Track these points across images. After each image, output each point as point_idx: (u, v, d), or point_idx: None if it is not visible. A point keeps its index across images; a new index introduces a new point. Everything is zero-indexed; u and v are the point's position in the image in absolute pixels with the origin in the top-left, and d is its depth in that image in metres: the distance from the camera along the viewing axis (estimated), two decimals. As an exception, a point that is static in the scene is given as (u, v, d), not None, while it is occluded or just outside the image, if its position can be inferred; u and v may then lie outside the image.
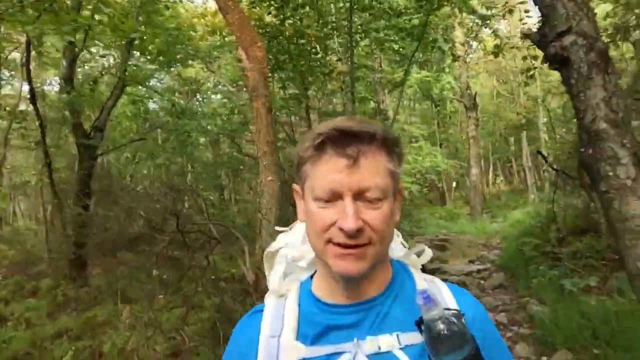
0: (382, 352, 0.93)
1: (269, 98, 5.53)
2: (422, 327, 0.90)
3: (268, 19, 9.41)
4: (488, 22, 11.04)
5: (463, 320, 0.90)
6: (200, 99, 17.14)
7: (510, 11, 8.71)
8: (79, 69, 10.87)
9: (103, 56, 9.94)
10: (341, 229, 0.89)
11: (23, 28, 5.66)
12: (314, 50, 10.00)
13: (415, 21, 10.22)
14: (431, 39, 11.12)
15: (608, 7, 9.75)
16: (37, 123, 9.06)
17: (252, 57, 5.38)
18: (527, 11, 7.69)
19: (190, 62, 11.43)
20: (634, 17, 8.82)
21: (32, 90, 8.95)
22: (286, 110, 11.22)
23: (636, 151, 2.55)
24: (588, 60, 2.64)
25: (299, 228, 1.28)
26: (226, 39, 11.55)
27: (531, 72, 7.59)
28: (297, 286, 1.09)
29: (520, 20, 8.11)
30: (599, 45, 2.66)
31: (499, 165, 35.16)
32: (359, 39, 10.73)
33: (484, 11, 10.82)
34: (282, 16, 9.06)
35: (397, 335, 0.94)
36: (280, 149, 8.85)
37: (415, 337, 0.94)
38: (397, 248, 1.15)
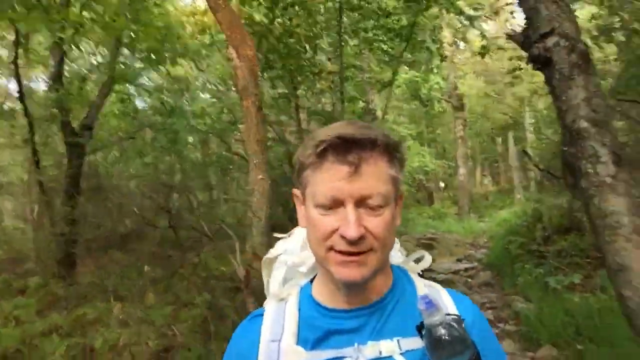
0: (383, 357, 0.93)
1: (259, 97, 5.58)
2: (423, 332, 0.91)
3: (258, 18, 9.43)
4: (475, 23, 11.17)
5: (463, 325, 0.91)
6: (189, 98, 17.10)
7: (496, 12, 8.85)
8: (66, 67, 10.82)
9: (92, 54, 9.89)
10: (343, 237, 0.89)
11: (14, 24, 5.63)
12: (303, 49, 10.04)
13: (404, 21, 10.31)
14: (419, 39, 11.23)
15: (593, 9, 9.92)
16: (25, 121, 9.00)
17: (243, 56, 5.42)
18: (512, 12, 7.81)
19: (179, 60, 11.41)
20: (617, 19, 8.99)
21: (20, 88, 8.89)
22: (275, 110, 11.26)
23: (616, 150, 2.63)
24: (570, 61, 2.72)
25: (297, 234, 1.29)
26: (215, 37, 11.55)
27: (516, 73, 7.71)
28: (297, 291, 1.09)
29: (506, 21, 8.24)
30: (580, 47, 2.75)
31: (487, 165, 35.43)
32: (348, 38, 10.79)
33: (471, 12, 10.94)
34: (271, 15, 9.09)
35: (398, 341, 0.95)
36: (269, 148, 8.89)
37: (415, 343, 0.94)
38: (396, 255, 1.16)
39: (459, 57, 22.28)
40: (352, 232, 0.87)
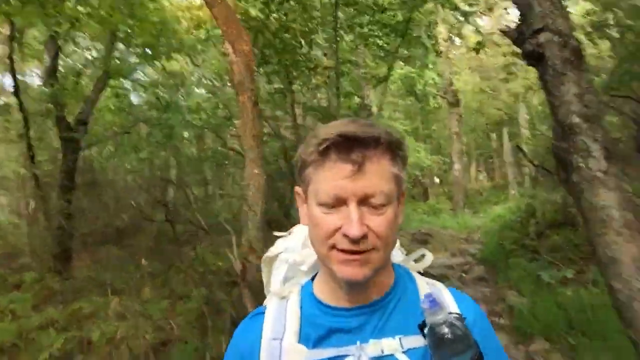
0: (385, 355, 0.93)
1: (255, 92, 5.58)
2: (425, 331, 0.92)
3: (253, 13, 9.43)
4: (470, 19, 11.21)
5: (465, 324, 0.91)
6: (184, 93, 17.07)
7: (491, 9, 8.89)
8: (61, 62, 10.78)
9: (87, 49, 9.86)
10: (345, 235, 0.89)
11: (9, 18, 5.61)
12: (299, 44, 10.04)
13: (399, 17, 10.33)
14: (415, 35, 11.24)
15: (588, 5, 9.97)
16: (20, 116, 8.98)
17: (239, 51, 5.42)
18: (506, 9, 7.86)
19: (174, 55, 11.40)
20: (611, 15, 9.03)
21: (15, 83, 8.87)
22: (271, 105, 11.26)
23: (607, 145, 2.67)
24: (562, 57, 2.76)
25: (297, 233, 1.31)
26: (211, 32, 11.53)
27: (511, 69, 7.77)
28: (299, 289, 1.09)
29: (500, 17, 8.28)
30: (572, 43, 2.78)
31: (481, 161, 35.54)
32: (343, 34, 10.80)
33: (466, 8, 10.98)
34: (267, 10, 9.09)
35: (400, 339, 0.95)
36: (265, 144, 8.90)
37: (417, 341, 0.95)
38: (397, 254, 1.16)
39: (454, 53, 22.33)
40: (355, 231, 0.87)
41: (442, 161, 23.20)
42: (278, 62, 9.77)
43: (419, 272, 1.14)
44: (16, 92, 8.74)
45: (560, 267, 6.59)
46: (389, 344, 0.94)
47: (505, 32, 3.15)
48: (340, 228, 0.90)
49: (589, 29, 8.56)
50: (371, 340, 0.95)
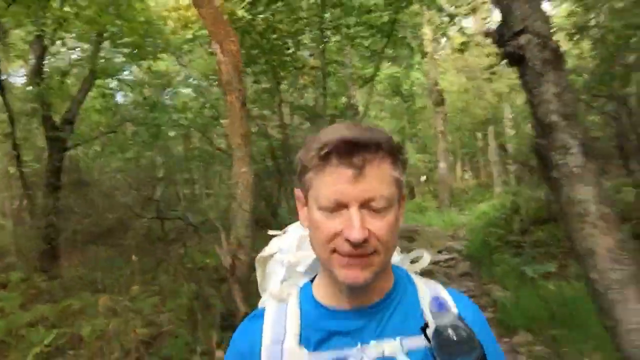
0: (386, 357, 0.94)
1: (242, 92, 5.65)
2: (428, 332, 0.93)
3: (240, 13, 9.47)
4: (454, 20, 11.36)
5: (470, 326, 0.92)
6: (171, 93, 17.03)
7: (474, 10, 9.05)
8: (46, 61, 10.73)
9: (73, 48, 9.83)
10: (347, 239, 0.89)
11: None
12: (286, 45, 10.11)
13: (385, 18, 10.43)
14: (400, 35, 11.36)
15: (571, 6, 10.15)
16: (5, 115, 8.92)
17: (226, 51, 5.48)
18: (489, 10, 8.02)
19: (160, 55, 11.40)
20: (592, 16, 9.22)
21: (0, 83, 8.81)
22: (259, 104, 11.30)
23: (584, 141, 2.79)
24: (542, 58, 2.86)
25: (292, 232, 1.32)
26: (197, 32, 11.54)
27: (494, 69, 7.93)
28: (297, 291, 1.08)
29: (484, 19, 8.43)
30: (551, 44, 2.89)
31: (467, 159, 35.85)
32: (330, 34, 10.88)
33: (451, 10, 11.13)
34: (254, 11, 9.14)
35: (401, 340, 0.95)
36: (252, 143, 8.95)
37: (418, 342, 0.95)
38: (394, 254, 1.14)
39: (439, 54, 22.53)
40: (357, 235, 0.87)
41: (428, 160, 23.41)
42: (265, 62, 9.83)
43: (416, 273, 1.16)
44: (1, 91, 8.68)
45: (543, 262, 6.74)
46: (389, 346, 0.95)
47: (487, 34, 3.26)
48: (341, 232, 0.90)
49: (572, 30, 8.73)
50: (372, 342, 0.95)
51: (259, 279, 1.37)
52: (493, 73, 8.31)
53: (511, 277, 6.59)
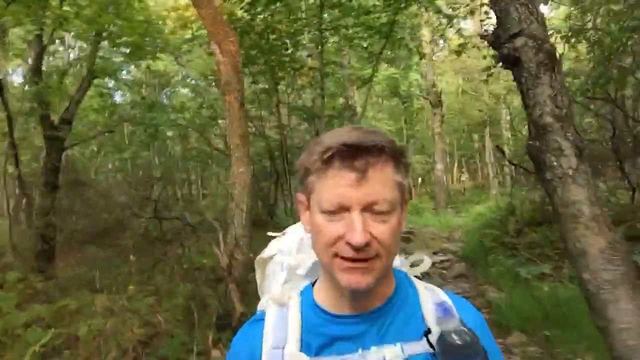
0: None
1: (241, 92, 5.67)
2: (430, 338, 0.93)
3: (239, 14, 9.50)
4: (453, 22, 11.41)
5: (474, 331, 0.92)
6: (169, 93, 17.09)
7: (472, 12, 9.10)
8: (44, 61, 10.74)
9: (72, 47, 9.84)
10: (348, 243, 0.88)
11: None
12: (284, 45, 10.14)
13: (384, 19, 10.48)
14: (399, 37, 11.41)
15: (569, 8, 10.21)
16: (3, 115, 8.91)
17: (225, 51, 5.51)
18: (487, 12, 8.06)
19: (159, 55, 11.42)
20: (590, 19, 9.28)
21: (-1, 81, 8.80)
22: (257, 105, 11.34)
23: (578, 143, 2.82)
24: (537, 61, 2.89)
25: (291, 234, 1.30)
26: (196, 33, 11.57)
27: (491, 71, 7.98)
28: (298, 294, 1.07)
29: (482, 21, 8.47)
30: (546, 47, 2.92)
31: (464, 161, 35.97)
32: (328, 35, 10.92)
33: (449, 11, 11.17)
34: (253, 11, 9.17)
35: (402, 346, 0.95)
36: (250, 144, 8.97)
37: (418, 347, 0.95)
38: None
39: (437, 55, 22.61)
40: (358, 239, 0.87)
41: (425, 161, 23.48)
42: (264, 63, 9.86)
43: (416, 276, 1.15)
44: (0, 90, 8.68)
45: (537, 264, 6.78)
46: (390, 351, 0.94)
47: (483, 36, 3.29)
48: (343, 236, 0.89)
49: (569, 33, 8.77)
50: (373, 348, 0.95)
51: (258, 281, 1.37)
52: (490, 75, 8.36)
53: (506, 278, 6.62)
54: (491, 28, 3.26)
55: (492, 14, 3.17)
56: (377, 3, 10.36)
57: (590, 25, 8.95)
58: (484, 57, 8.39)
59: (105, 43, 9.75)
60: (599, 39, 8.16)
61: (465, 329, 0.90)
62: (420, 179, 27.83)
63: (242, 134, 5.59)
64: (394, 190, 0.92)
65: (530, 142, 2.93)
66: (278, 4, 9.32)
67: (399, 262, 1.15)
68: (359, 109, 14.32)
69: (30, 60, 9.78)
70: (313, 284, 1.08)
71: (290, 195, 11.56)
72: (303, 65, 10.99)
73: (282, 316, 1.02)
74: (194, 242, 6.61)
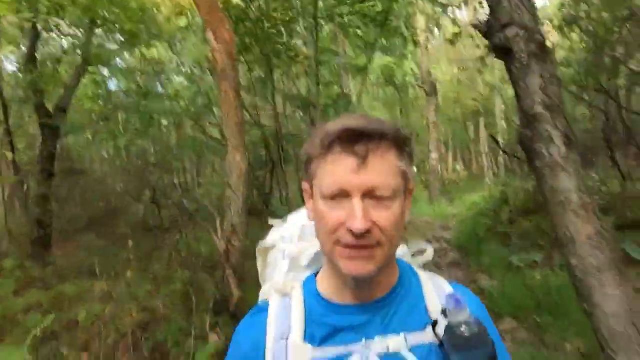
0: (391, 352, 0.93)
1: (237, 80, 5.69)
2: (437, 329, 0.94)
3: (235, 1, 9.47)
4: (447, 10, 11.44)
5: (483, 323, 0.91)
6: (164, 80, 17.01)
7: (466, 2, 9.14)
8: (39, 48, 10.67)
9: (67, 35, 9.79)
10: (350, 230, 0.88)
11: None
12: (279, 33, 10.13)
13: (379, 7, 10.47)
14: (394, 25, 11.41)
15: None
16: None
17: (221, 39, 5.51)
18: (480, 2, 8.10)
19: (153, 42, 11.38)
20: (584, 8, 9.29)
21: (-7, 69, 8.78)
22: (252, 93, 11.33)
23: (567, 132, 2.88)
24: (528, 51, 2.94)
25: (292, 222, 1.30)
26: (191, 20, 11.54)
27: (485, 61, 8.05)
28: (301, 285, 1.07)
29: (475, 10, 8.51)
30: (537, 37, 2.96)
31: (459, 150, 36.06)
32: (323, 23, 10.91)
33: (443, 0, 11.19)
34: (248, -1, 9.17)
35: (405, 336, 0.95)
36: (245, 132, 9.00)
37: (422, 337, 0.95)
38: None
39: (432, 43, 22.57)
40: (359, 225, 0.86)
41: (420, 151, 23.51)
42: (259, 51, 9.85)
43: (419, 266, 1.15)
44: (-6, 79, 8.66)
45: (530, 252, 6.88)
46: (394, 341, 0.94)
47: (476, 26, 3.33)
48: (344, 222, 0.89)
49: (562, 23, 8.80)
50: (377, 338, 0.95)
51: (259, 269, 1.37)
52: (484, 65, 8.41)
53: (498, 267, 6.71)
54: (484, 18, 3.31)
55: (486, 4, 3.21)
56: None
57: (583, 14, 8.98)
58: (478, 47, 8.43)
59: (99, 31, 9.73)
60: (593, 28, 8.21)
61: (474, 320, 0.90)
62: (414, 168, 27.89)
63: (238, 122, 5.61)
64: (396, 177, 0.92)
65: (522, 131, 3.00)
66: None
67: (400, 252, 1.15)
68: (354, 98, 14.34)
69: (23, 48, 9.71)
70: (316, 274, 1.09)
71: (285, 185, 11.61)
72: (298, 53, 10.98)
73: (285, 307, 1.02)
74: (191, 229, 6.67)
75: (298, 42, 11.51)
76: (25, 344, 3.20)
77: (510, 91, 17.13)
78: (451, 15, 12.30)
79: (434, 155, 18.78)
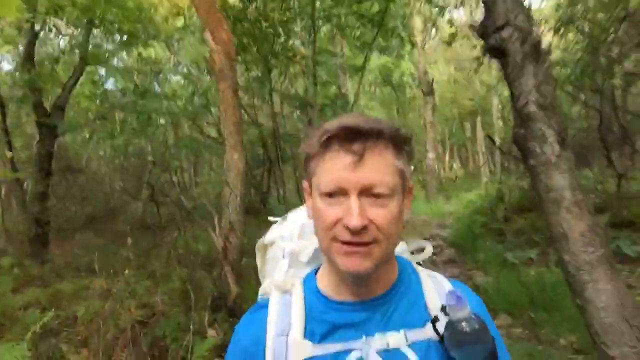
0: (390, 349, 0.94)
1: (234, 80, 5.73)
2: (437, 325, 0.95)
3: (232, 2, 9.51)
4: (443, 11, 11.50)
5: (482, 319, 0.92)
6: (162, 80, 17.02)
7: (462, 3, 9.20)
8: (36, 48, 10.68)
9: (65, 35, 9.81)
10: (346, 227, 0.89)
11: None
12: (277, 33, 10.17)
13: (376, 8, 10.53)
14: (391, 25, 11.47)
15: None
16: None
17: (219, 40, 5.56)
18: (477, 3, 8.17)
19: (151, 42, 11.40)
20: (581, 8, 9.35)
21: (-10, 68, 8.80)
22: (250, 93, 11.37)
23: (560, 131, 2.94)
24: (522, 52, 2.99)
25: (292, 219, 1.31)
26: (189, 20, 11.57)
27: (481, 61, 8.12)
28: (301, 282, 1.08)
29: (472, 12, 8.58)
30: (531, 39, 3.02)
31: (455, 149, 36.16)
32: (321, 24, 10.95)
33: (440, 1, 11.26)
34: (246, -1, 9.21)
35: (405, 332, 0.96)
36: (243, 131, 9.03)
37: (421, 334, 0.96)
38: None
39: (430, 43, 22.66)
40: (355, 222, 0.87)
41: (417, 150, 23.54)
42: (257, 51, 9.89)
43: (418, 263, 1.16)
44: (-8, 78, 8.68)
45: (524, 249, 6.95)
46: (394, 338, 0.95)
47: (472, 27, 3.39)
48: (341, 219, 0.90)
49: (557, 24, 8.86)
50: (376, 334, 0.95)
51: (258, 265, 1.37)
52: (480, 64, 8.49)
53: (494, 263, 6.77)
54: (480, 19, 3.36)
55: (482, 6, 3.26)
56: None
57: (579, 15, 9.04)
58: (474, 47, 8.50)
59: (97, 30, 9.74)
60: (588, 28, 8.27)
61: (474, 317, 0.91)
62: (412, 167, 27.95)
63: (236, 121, 5.65)
64: (393, 175, 0.93)
65: (515, 130, 3.05)
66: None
67: (400, 249, 1.15)
68: (351, 97, 14.39)
69: (21, 47, 9.73)
70: (316, 272, 1.09)
71: (282, 183, 11.66)
72: (296, 53, 11.03)
73: (285, 303, 1.03)
74: (189, 227, 6.71)
75: (296, 42, 11.56)
76: (25, 339, 3.23)
77: (506, 91, 17.21)
78: (447, 16, 12.36)
79: (431, 154, 18.88)
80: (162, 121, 15.00)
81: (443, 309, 0.95)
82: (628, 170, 8.32)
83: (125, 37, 9.15)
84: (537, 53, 3.04)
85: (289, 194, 12.19)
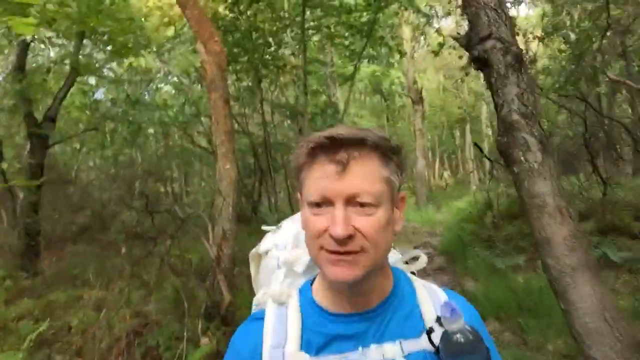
0: None
1: (226, 90, 5.80)
2: (432, 336, 0.95)
3: (223, 13, 9.60)
4: (431, 21, 11.67)
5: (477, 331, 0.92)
6: (152, 90, 17.04)
7: (449, 14, 9.37)
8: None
9: (56, 45, 9.84)
10: (332, 236, 0.89)
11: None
12: (267, 44, 10.27)
13: (365, 18, 10.66)
14: (379, 35, 11.61)
15: (546, 7, 10.49)
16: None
17: (210, 51, 5.63)
18: (462, 15, 8.31)
19: (142, 52, 11.45)
20: (567, 17, 9.55)
21: (-20, 79, 8.80)
22: (240, 102, 11.44)
23: (542, 139, 3.04)
24: (505, 62, 3.10)
25: (286, 228, 1.31)
26: (179, 31, 11.64)
27: (468, 70, 8.26)
28: (297, 293, 1.08)
29: (458, 23, 8.73)
30: (513, 49, 3.13)
31: (445, 157, 36.41)
32: (311, 34, 11.06)
33: (428, 11, 11.42)
34: (237, 10, 9.29)
35: (401, 343, 0.96)
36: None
37: (417, 344, 0.96)
38: (390, 255, 1.11)
39: (419, 52, 22.89)
40: (339, 231, 0.87)
41: (407, 157, 23.68)
42: (247, 61, 9.97)
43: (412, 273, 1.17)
44: (-18, 88, 8.67)
45: (512, 255, 7.04)
46: (390, 349, 0.95)
47: (456, 38, 3.50)
48: (327, 229, 0.90)
49: (544, 31, 9.03)
50: (372, 346, 0.96)
51: (252, 275, 1.37)
52: (467, 74, 8.63)
53: (483, 270, 6.85)
54: (465, 30, 3.47)
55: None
56: (359, 2, 10.53)
57: (564, 24, 9.22)
58: (460, 57, 8.65)
59: (88, 41, 9.77)
60: (573, 37, 8.43)
61: (469, 328, 0.91)
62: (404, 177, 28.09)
63: (227, 131, 5.71)
64: (380, 184, 0.92)
65: (499, 138, 3.15)
66: (261, 3, 9.44)
67: (392, 260, 1.15)
68: (341, 106, 14.48)
69: (11, 57, 9.74)
70: (312, 282, 1.09)
71: (274, 192, 11.72)
72: (286, 63, 11.13)
73: (281, 315, 1.03)
74: (181, 236, 6.74)
75: (286, 52, 11.67)
76: (22, 349, 3.26)
77: (494, 99, 17.42)
78: (435, 25, 12.54)
79: (421, 162, 19.02)
80: (151, 130, 15.02)
81: (438, 320, 0.96)
82: (612, 176, 8.48)
83: (116, 48, 9.17)
84: (519, 63, 3.15)
85: (281, 202, 12.25)
